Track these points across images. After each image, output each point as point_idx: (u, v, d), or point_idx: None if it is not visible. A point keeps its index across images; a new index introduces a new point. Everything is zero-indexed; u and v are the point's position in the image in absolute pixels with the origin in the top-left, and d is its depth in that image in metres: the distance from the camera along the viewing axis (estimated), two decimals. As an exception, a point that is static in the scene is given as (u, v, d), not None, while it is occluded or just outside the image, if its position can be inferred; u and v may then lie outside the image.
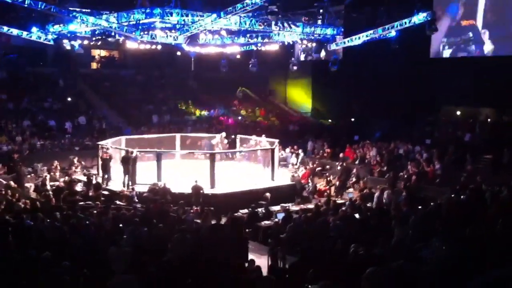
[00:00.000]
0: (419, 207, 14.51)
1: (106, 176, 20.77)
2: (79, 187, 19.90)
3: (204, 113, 35.89)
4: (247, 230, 15.76)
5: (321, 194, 21.22)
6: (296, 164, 25.67)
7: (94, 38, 20.96)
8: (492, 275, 5.23)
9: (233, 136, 27.28)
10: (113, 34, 20.73)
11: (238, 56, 27.85)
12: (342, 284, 6.96)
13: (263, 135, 25.60)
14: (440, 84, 28.36)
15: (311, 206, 18.14)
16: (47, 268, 8.55)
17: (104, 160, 20.98)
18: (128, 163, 20.13)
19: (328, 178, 22.60)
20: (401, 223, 11.77)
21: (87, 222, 13.17)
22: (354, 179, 23.27)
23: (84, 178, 20.73)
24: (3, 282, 8.36)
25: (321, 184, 22.27)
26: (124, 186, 19.74)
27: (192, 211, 16.35)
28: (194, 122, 34.01)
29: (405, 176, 21.45)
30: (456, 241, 8.38)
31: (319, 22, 22.41)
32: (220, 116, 35.52)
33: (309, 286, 7.46)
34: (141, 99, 34.79)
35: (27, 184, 20.28)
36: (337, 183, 22.20)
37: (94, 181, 19.99)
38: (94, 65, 38.17)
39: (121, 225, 13.46)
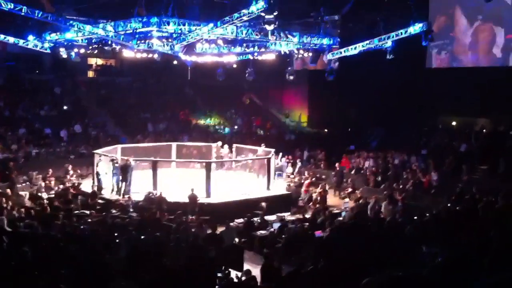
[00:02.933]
0: (415, 217, 14.51)
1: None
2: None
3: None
4: (242, 239, 15.77)
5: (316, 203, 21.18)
6: (292, 174, 25.67)
7: (90, 47, 20.95)
8: (486, 282, 5.23)
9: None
10: (109, 42, 20.73)
11: (235, 65, 27.91)
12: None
13: (263, 144, 25.63)
14: (436, 94, 28.47)
15: (307, 216, 18.12)
16: (42, 276, 8.50)
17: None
18: (127, 171, 20.06)
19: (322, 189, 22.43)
20: (397, 232, 11.76)
21: (82, 230, 13.12)
22: (350, 189, 23.31)
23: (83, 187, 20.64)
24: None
25: (315, 194, 22.20)
26: (120, 195, 19.64)
27: (189, 220, 16.30)
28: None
29: (401, 186, 21.46)
30: (451, 249, 8.38)
31: (316, 31, 22.49)
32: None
33: None
34: (138, 107, 34.79)
35: (22, 192, 20.17)
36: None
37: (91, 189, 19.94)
38: (90, 74, 38.13)
39: (116, 233, 13.40)
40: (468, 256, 7.35)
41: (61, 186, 20.80)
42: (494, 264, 6.51)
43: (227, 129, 35.11)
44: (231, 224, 16.47)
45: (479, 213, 12.92)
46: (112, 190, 20.40)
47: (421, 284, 6.48)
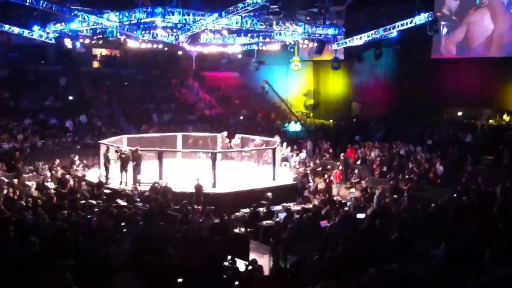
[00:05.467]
0: (419, 207, 14.53)
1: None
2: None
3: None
4: (248, 229, 15.83)
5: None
6: (297, 164, 25.63)
7: (95, 37, 20.94)
8: (491, 276, 5.23)
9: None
10: (114, 33, 20.72)
11: (239, 56, 27.84)
12: (343, 285, 6.96)
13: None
14: (441, 85, 28.35)
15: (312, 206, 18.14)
16: (48, 266, 8.56)
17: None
18: (140, 160, 20.09)
19: (328, 179, 22.42)
20: (402, 223, 11.78)
21: (88, 220, 13.19)
22: (356, 179, 23.32)
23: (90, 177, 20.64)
24: (3, 279, 8.36)
25: (321, 184, 22.23)
26: (134, 184, 19.57)
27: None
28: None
29: (407, 176, 21.45)
30: (456, 241, 8.39)
31: (321, 22, 22.42)
32: None
33: None
34: (142, 98, 34.79)
35: (28, 183, 20.26)
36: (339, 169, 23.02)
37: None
38: (95, 64, 38.14)
39: (122, 223, 13.47)
40: (471, 249, 7.35)
41: (68, 176, 20.81)
42: (497, 258, 6.51)
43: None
44: (237, 214, 16.58)
45: (487, 204, 12.91)
46: (121, 182, 20.39)
47: (423, 277, 6.50)
